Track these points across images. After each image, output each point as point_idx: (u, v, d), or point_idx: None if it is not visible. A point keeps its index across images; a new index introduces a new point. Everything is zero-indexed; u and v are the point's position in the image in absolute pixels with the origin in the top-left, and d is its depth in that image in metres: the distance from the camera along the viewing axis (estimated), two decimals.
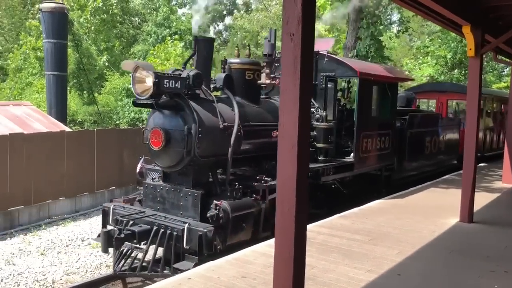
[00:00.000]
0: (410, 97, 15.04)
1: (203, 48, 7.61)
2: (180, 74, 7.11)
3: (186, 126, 7.00)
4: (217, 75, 8.15)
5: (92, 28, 29.61)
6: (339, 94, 10.27)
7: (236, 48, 8.58)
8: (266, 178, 7.80)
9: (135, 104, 7.12)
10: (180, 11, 40.43)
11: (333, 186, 9.93)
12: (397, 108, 13.32)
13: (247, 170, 8.75)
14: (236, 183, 7.52)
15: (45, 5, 19.76)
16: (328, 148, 9.05)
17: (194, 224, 6.78)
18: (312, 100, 9.74)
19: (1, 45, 33.94)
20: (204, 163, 7.41)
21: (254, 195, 7.69)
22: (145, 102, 6.93)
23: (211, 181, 7.70)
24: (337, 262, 6.15)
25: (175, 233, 6.77)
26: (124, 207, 7.62)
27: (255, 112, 8.30)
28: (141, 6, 37.88)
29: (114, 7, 30.52)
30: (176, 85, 6.87)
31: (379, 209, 9.27)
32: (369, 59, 17.29)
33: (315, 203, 9.52)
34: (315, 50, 10.04)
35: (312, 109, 9.27)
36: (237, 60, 8.38)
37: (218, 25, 54.21)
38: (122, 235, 6.76)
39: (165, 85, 6.74)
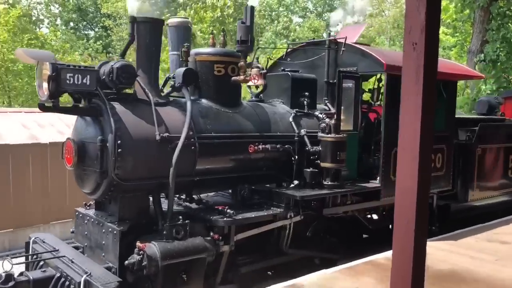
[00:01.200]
0: (493, 103, 11.73)
1: (144, 33, 5.66)
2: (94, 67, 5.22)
3: (100, 137, 5.09)
4: (177, 70, 6.15)
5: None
6: (365, 95, 7.71)
7: (211, 35, 6.51)
8: (229, 210, 5.62)
9: (40, 107, 5.34)
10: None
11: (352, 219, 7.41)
12: (468, 116, 10.25)
13: (216, 196, 6.67)
14: (180, 217, 5.44)
15: (172, 20, 19.54)
16: (337, 168, 6.57)
17: (97, 276, 4.80)
18: (328, 105, 7.38)
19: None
20: (134, 189, 5.43)
21: (211, 234, 5.55)
22: (45, 104, 5.13)
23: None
24: None
25: (72, 286, 4.87)
26: (44, 241, 5.87)
27: (227, 119, 6.15)
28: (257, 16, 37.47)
29: (230, 17, 30.40)
30: (84, 81, 4.99)
31: None
32: (499, 64, 15.06)
33: (324, 245, 7.10)
34: (331, 38, 7.76)
35: (317, 114, 6.90)
36: (203, 50, 6.32)
37: None
38: (11, 284, 5.00)
39: (67, 81, 4.90)
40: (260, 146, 6.10)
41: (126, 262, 5.02)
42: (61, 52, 26.14)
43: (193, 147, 5.65)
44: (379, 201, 7.11)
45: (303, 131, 6.70)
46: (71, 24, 43.07)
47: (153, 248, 5.06)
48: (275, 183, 6.71)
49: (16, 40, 23.04)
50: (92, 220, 5.68)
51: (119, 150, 5.10)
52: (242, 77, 6.07)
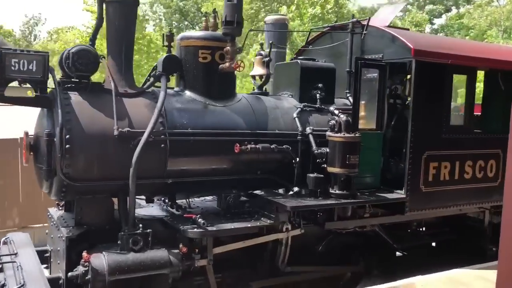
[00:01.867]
0: None
1: (113, 14, 5.00)
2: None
3: (46, 131, 4.50)
4: (160, 58, 5.43)
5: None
6: (393, 88, 6.45)
7: (204, 18, 5.71)
8: (200, 220, 4.80)
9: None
10: None
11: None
12: None
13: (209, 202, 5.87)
14: (140, 225, 4.72)
15: (269, 18, 19.56)
16: (347, 174, 5.46)
17: None
18: (351, 99, 6.26)
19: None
20: (93, 190, 4.78)
21: (181, 246, 4.77)
22: None
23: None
24: None
25: None
26: (11, 242, 5.43)
27: (212, 114, 5.32)
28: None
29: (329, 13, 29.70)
30: (31, 68, 4.43)
31: None
32: None
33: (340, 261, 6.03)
34: (353, 20, 6.60)
35: (332, 109, 5.84)
36: (187, 34, 5.53)
37: None
38: None
39: (12, 67, 4.38)
40: (249, 146, 5.20)
41: (70, 274, 4.39)
42: None
43: (163, 145, 4.90)
44: (404, 215, 5.86)
45: (308, 129, 5.69)
46: (174, 23, 44.32)
47: (100, 259, 4.39)
48: (276, 189, 5.79)
49: None
50: (54, 222, 5.15)
51: (68, 146, 4.48)
52: (227, 64, 5.21)
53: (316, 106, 6.00)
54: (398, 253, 7.22)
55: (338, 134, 5.44)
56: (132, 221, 4.75)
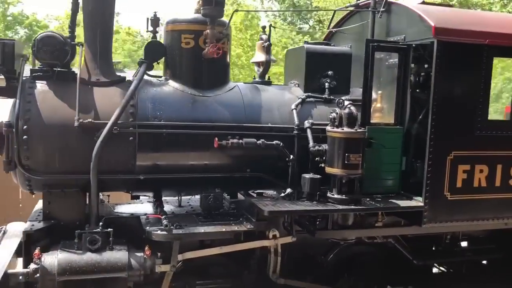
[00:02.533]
0: None
1: None
2: None
3: (6, 122, 4.34)
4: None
5: None
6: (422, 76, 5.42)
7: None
8: (164, 221, 4.39)
9: None
10: None
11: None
12: None
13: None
14: (101, 223, 4.40)
15: None
16: (351, 176, 4.66)
17: None
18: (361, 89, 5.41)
19: None
20: (60, 184, 4.55)
21: (146, 248, 4.39)
22: None
23: None
24: None
25: None
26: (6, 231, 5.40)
27: (192, 105, 4.84)
28: None
29: None
30: None
31: None
32: None
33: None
34: None
35: (343, 100, 5.05)
36: (173, 18, 5.06)
37: None
38: None
39: None
40: (230, 141, 4.65)
41: (10, 271, 4.16)
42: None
43: (131, 138, 4.53)
44: (421, 227, 4.89)
45: (307, 123, 4.98)
46: (288, 19, 44.38)
47: (51, 258, 4.14)
48: (275, 190, 5.18)
49: (241, 37, 24.13)
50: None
51: (25, 137, 4.28)
52: (206, 49, 4.68)
53: (324, 96, 5.25)
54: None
55: (337, 129, 4.67)
56: (95, 219, 4.45)
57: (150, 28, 5.05)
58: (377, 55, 5.24)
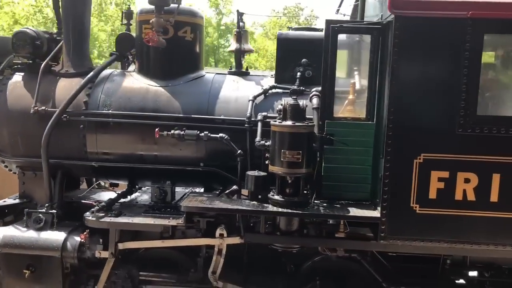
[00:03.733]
0: None
1: None
2: None
3: None
4: None
5: None
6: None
7: None
8: (94, 209, 4.51)
9: None
10: None
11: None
12: None
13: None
14: (46, 205, 4.71)
15: None
16: (293, 175, 4.10)
17: None
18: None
19: None
20: (30, 167, 4.98)
21: (86, 232, 4.57)
22: None
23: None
24: None
25: None
26: None
27: (144, 96, 4.81)
28: None
29: None
30: None
31: None
32: None
33: None
34: None
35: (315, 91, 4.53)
36: (141, 8, 5.08)
37: None
38: None
39: None
40: (171, 132, 4.51)
41: None
42: None
43: (81, 126, 4.73)
44: (378, 243, 4.03)
45: (260, 115, 4.55)
46: None
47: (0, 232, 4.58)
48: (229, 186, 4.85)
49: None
50: None
51: None
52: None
53: (292, 87, 4.71)
54: None
55: (275, 122, 4.16)
56: (49, 200, 4.77)
57: (125, 21, 5.19)
58: (356, 38, 4.53)
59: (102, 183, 5.82)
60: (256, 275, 4.81)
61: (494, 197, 3.89)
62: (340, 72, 4.46)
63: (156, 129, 4.53)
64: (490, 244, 3.96)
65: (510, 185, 3.86)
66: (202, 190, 5.20)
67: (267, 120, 4.46)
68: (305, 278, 4.81)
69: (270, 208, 4.11)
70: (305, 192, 4.27)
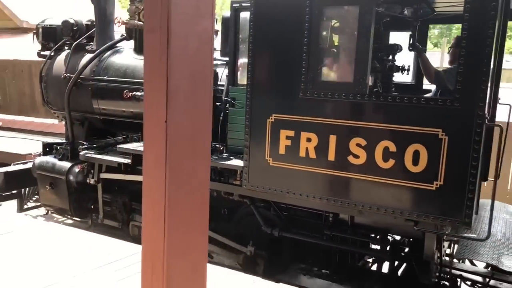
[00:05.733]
0: None
1: None
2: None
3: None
4: None
5: None
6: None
7: None
8: (81, 147, 6.26)
9: None
10: None
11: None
12: None
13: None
14: (65, 141, 6.67)
15: None
16: None
17: None
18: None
19: None
20: (63, 116, 6.99)
21: (83, 164, 6.41)
22: None
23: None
24: None
25: None
26: None
27: (126, 67, 6.30)
28: None
29: None
30: None
31: None
32: None
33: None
34: None
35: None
36: None
37: None
38: None
39: None
40: (130, 93, 5.92)
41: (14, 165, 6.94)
42: None
43: (90, 88, 6.49)
44: (242, 188, 4.76)
45: None
46: None
47: (36, 159, 6.69)
48: None
49: None
50: None
51: (44, 84, 6.94)
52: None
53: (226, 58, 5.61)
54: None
55: None
56: (71, 139, 6.69)
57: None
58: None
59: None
60: None
61: (331, 156, 4.26)
62: (242, 46, 5.17)
63: (125, 91, 5.99)
64: (328, 199, 4.34)
65: (344, 146, 4.18)
66: None
67: None
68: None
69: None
70: (217, 146, 5.22)
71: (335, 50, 4.45)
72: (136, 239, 5.84)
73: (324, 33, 4.34)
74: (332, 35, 4.45)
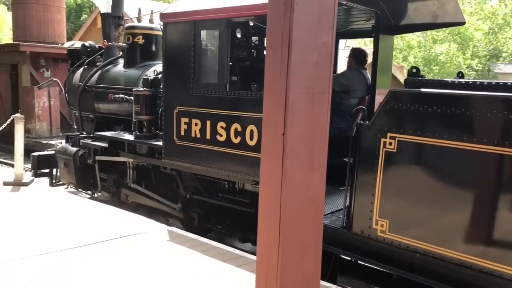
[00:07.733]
0: None
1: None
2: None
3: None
4: None
5: None
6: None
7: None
8: (81, 135, 8.51)
9: None
10: None
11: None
12: None
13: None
14: (75, 132, 9.00)
15: None
16: (138, 119, 7.15)
17: None
18: None
19: None
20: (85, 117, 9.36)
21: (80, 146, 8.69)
22: None
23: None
24: None
25: None
26: None
27: (115, 76, 8.44)
28: None
29: None
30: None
31: None
32: None
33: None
34: None
35: None
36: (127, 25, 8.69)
37: None
38: None
39: None
40: (114, 96, 8.06)
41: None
42: None
43: (92, 93, 8.77)
44: (161, 160, 6.64)
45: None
46: None
47: (58, 146, 9.10)
48: None
49: None
50: None
51: (67, 91, 9.39)
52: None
53: None
54: None
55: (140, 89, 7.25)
56: (80, 128, 9.00)
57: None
58: None
59: None
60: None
61: (208, 135, 5.98)
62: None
63: (109, 95, 8.16)
64: (211, 167, 6.04)
65: (214, 128, 5.88)
66: None
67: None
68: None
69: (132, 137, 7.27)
70: (157, 132, 7.16)
71: (208, 61, 6.20)
72: (124, 204, 7.94)
73: (203, 48, 6.12)
74: (207, 50, 6.21)
